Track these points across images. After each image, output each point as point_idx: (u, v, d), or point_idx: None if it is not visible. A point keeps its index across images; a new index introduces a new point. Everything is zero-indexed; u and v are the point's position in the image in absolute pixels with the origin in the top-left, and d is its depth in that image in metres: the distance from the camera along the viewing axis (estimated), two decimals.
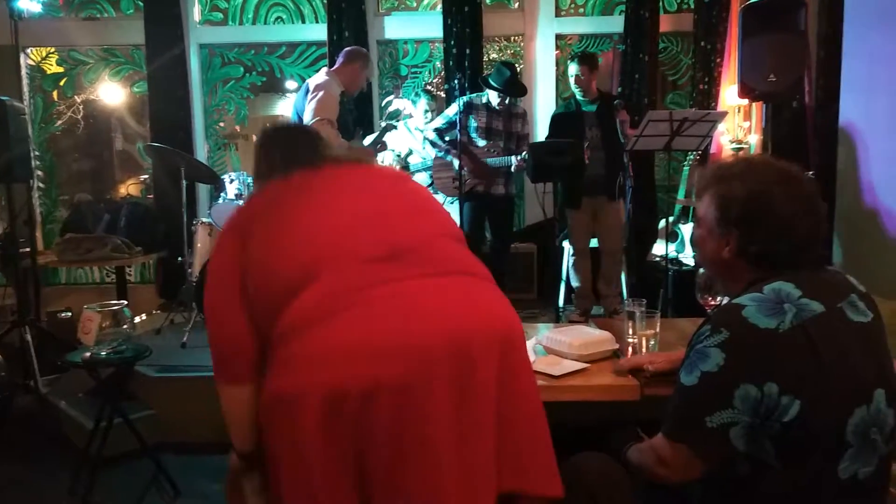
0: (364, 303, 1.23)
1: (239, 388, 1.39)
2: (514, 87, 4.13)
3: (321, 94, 3.45)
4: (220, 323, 1.41)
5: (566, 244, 4.51)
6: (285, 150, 1.60)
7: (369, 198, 1.44)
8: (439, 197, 4.49)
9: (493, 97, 4.16)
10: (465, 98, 4.15)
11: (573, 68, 4.08)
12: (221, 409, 1.45)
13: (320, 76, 3.56)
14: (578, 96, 4.15)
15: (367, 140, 3.97)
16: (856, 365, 1.23)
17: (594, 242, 4.32)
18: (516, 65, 5.29)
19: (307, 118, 3.44)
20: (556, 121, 4.23)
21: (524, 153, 4.03)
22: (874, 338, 1.30)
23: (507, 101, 4.16)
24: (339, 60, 3.73)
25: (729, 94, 4.82)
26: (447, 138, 4.26)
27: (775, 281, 1.29)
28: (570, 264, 4.28)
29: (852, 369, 1.22)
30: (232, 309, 1.38)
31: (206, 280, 1.46)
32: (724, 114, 4.05)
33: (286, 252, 1.33)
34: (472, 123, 4.16)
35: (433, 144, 4.31)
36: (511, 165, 4.10)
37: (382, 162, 4.52)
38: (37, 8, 4.37)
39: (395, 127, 4.11)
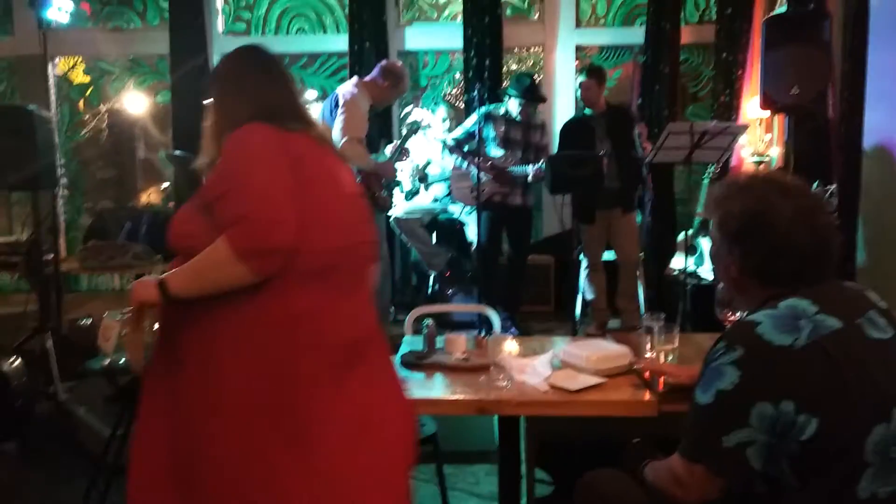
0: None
1: (253, 277, 1.32)
2: (535, 93, 4.14)
3: (349, 111, 3.42)
4: (277, 192, 1.33)
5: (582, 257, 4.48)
6: (287, 96, 1.56)
7: (351, 200, 1.57)
8: (457, 207, 4.50)
9: (513, 107, 4.16)
10: (483, 109, 4.15)
11: (580, 79, 4.10)
12: (203, 268, 1.36)
13: (349, 87, 3.53)
14: (586, 110, 4.17)
15: (389, 148, 3.97)
16: (875, 382, 1.20)
17: (609, 255, 4.29)
18: (536, 75, 5.30)
19: (335, 135, 3.42)
20: (566, 132, 4.20)
21: (541, 163, 4.01)
22: (894, 354, 1.27)
23: (528, 111, 4.15)
24: (374, 73, 3.70)
25: (750, 107, 4.76)
26: (465, 149, 4.26)
27: (791, 297, 1.27)
28: (585, 278, 4.24)
29: (872, 387, 1.20)
30: (287, 192, 1.35)
31: (246, 164, 1.38)
32: (745, 127, 4.01)
33: (332, 232, 1.45)
34: (491, 134, 4.16)
35: (451, 150, 4.30)
36: (528, 175, 4.07)
37: (402, 172, 4.52)
38: (65, 18, 4.44)
39: (416, 132, 4.09)
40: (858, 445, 1.18)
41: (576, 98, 5.24)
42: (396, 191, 4.45)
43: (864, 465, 1.18)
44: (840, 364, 1.18)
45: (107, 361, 2.63)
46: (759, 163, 4.75)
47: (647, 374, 1.84)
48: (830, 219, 1.33)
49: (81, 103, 5.67)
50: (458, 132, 4.30)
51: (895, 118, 3.86)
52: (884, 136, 3.95)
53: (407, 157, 3.93)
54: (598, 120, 4.13)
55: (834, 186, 4.10)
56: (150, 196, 5.94)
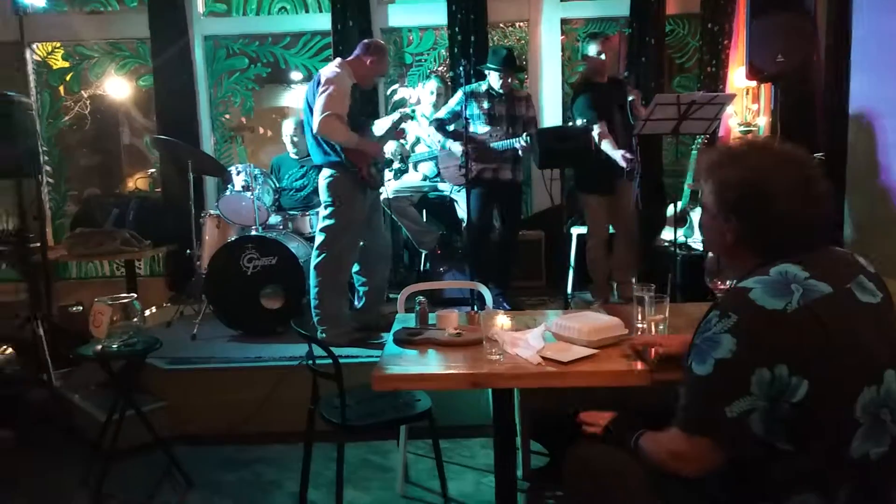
0: None
1: None
2: (512, 63, 4.10)
3: (331, 88, 3.42)
4: None
5: (574, 231, 4.47)
6: None
7: None
8: (447, 185, 4.48)
9: (494, 80, 4.12)
10: (467, 88, 4.11)
11: (594, 48, 4.00)
12: None
13: (332, 68, 3.52)
14: (592, 78, 4.07)
15: (380, 127, 3.91)
16: (865, 345, 1.22)
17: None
18: (522, 51, 5.26)
19: (316, 112, 3.43)
20: (589, 98, 4.00)
21: (524, 135, 3.96)
22: (884, 318, 1.29)
23: (509, 81, 4.11)
24: (355, 52, 3.68)
25: (737, 77, 4.76)
26: (451, 128, 4.24)
27: (781, 263, 1.28)
28: (591, 257, 4.14)
29: (862, 349, 1.21)
30: None
31: None
32: (732, 96, 4.00)
33: None
34: (476, 111, 4.14)
35: (437, 129, 4.27)
36: (515, 149, 4.03)
37: (390, 152, 4.47)
38: (41, 2, 4.37)
39: (413, 117, 4.04)
40: (849, 406, 1.19)
41: (562, 71, 5.22)
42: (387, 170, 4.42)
43: (855, 426, 1.20)
44: (830, 328, 1.20)
45: (99, 347, 2.63)
46: (747, 132, 4.76)
47: (637, 347, 1.85)
48: (825, 187, 1.32)
49: (62, 89, 5.58)
50: (443, 112, 4.28)
51: (879, 85, 3.86)
52: (868, 103, 3.95)
53: (402, 137, 3.90)
54: (607, 89, 4.07)
55: (821, 154, 4.12)
56: (136, 182, 5.88)
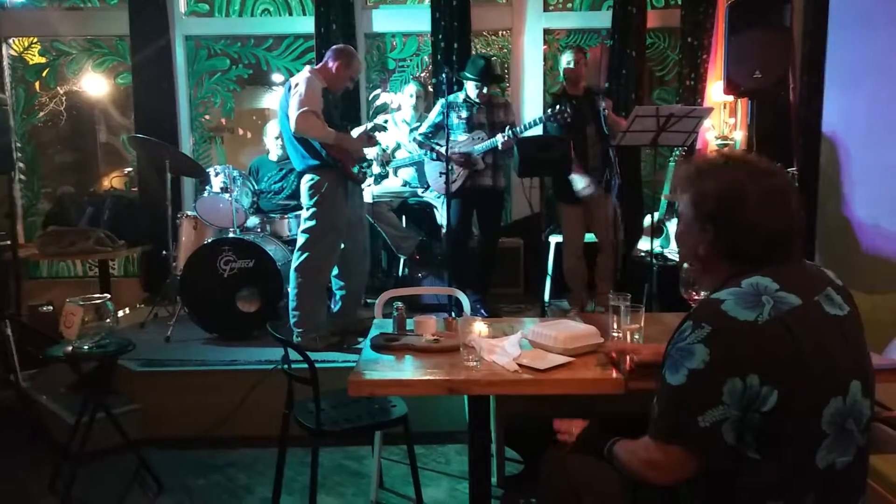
0: None
1: None
2: (490, 74, 4.13)
3: (302, 88, 3.45)
4: None
5: (552, 239, 4.50)
6: None
7: None
8: (431, 194, 4.48)
9: (471, 89, 4.15)
10: (446, 99, 4.14)
11: (567, 57, 4.07)
12: None
13: (302, 73, 3.56)
14: (568, 89, 4.13)
15: (355, 133, 3.93)
16: (832, 356, 1.24)
17: (588, 237, 4.31)
18: (505, 60, 5.30)
19: (292, 112, 3.43)
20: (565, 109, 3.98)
21: (508, 131, 3.99)
22: (850, 330, 1.31)
23: (485, 91, 4.14)
24: (324, 59, 3.72)
25: (715, 91, 4.83)
26: (433, 140, 4.25)
27: (753, 275, 1.30)
28: (568, 266, 4.21)
29: (829, 360, 1.24)
30: None
31: None
32: (709, 110, 4.06)
33: None
34: (455, 120, 4.16)
35: (420, 146, 4.30)
36: (497, 146, 4.05)
37: (371, 156, 4.47)
38: None
39: (385, 129, 4.06)
40: (815, 416, 1.22)
41: (544, 81, 5.26)
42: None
43: (821, 436, 1.22)
44: (799, 339, 1.22)
45: (69, 348, 2.58)
46: (724, 146, 4.83)
47: (612, 353, 1.87)
48: (799, 200, 1.35)
49: (37, 85, 5.49)
50: (425, 126, 4.29)
51: (853, 102, 3.95)
52: (841, 118, 4.04)
53: (374, 145, 3.91)
54: (582, 101, 4.12)
55: (794, 169, 4.19)
56: (112, 181, 5.80)
